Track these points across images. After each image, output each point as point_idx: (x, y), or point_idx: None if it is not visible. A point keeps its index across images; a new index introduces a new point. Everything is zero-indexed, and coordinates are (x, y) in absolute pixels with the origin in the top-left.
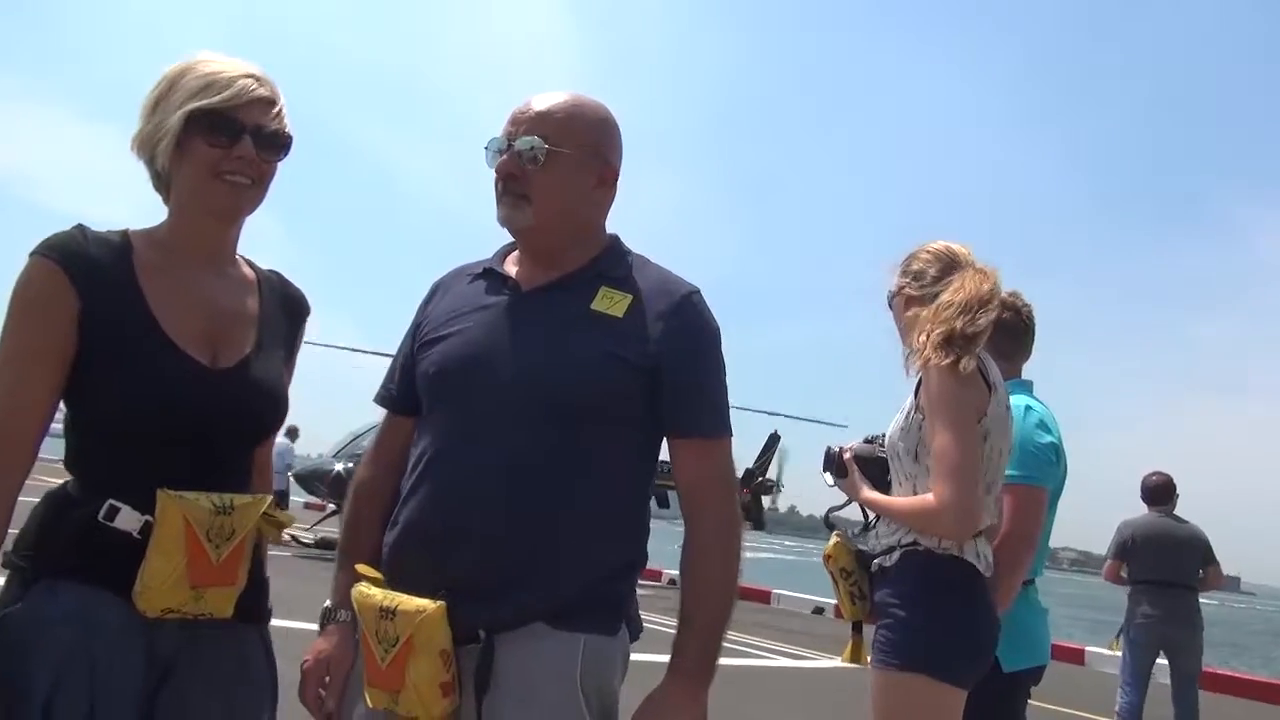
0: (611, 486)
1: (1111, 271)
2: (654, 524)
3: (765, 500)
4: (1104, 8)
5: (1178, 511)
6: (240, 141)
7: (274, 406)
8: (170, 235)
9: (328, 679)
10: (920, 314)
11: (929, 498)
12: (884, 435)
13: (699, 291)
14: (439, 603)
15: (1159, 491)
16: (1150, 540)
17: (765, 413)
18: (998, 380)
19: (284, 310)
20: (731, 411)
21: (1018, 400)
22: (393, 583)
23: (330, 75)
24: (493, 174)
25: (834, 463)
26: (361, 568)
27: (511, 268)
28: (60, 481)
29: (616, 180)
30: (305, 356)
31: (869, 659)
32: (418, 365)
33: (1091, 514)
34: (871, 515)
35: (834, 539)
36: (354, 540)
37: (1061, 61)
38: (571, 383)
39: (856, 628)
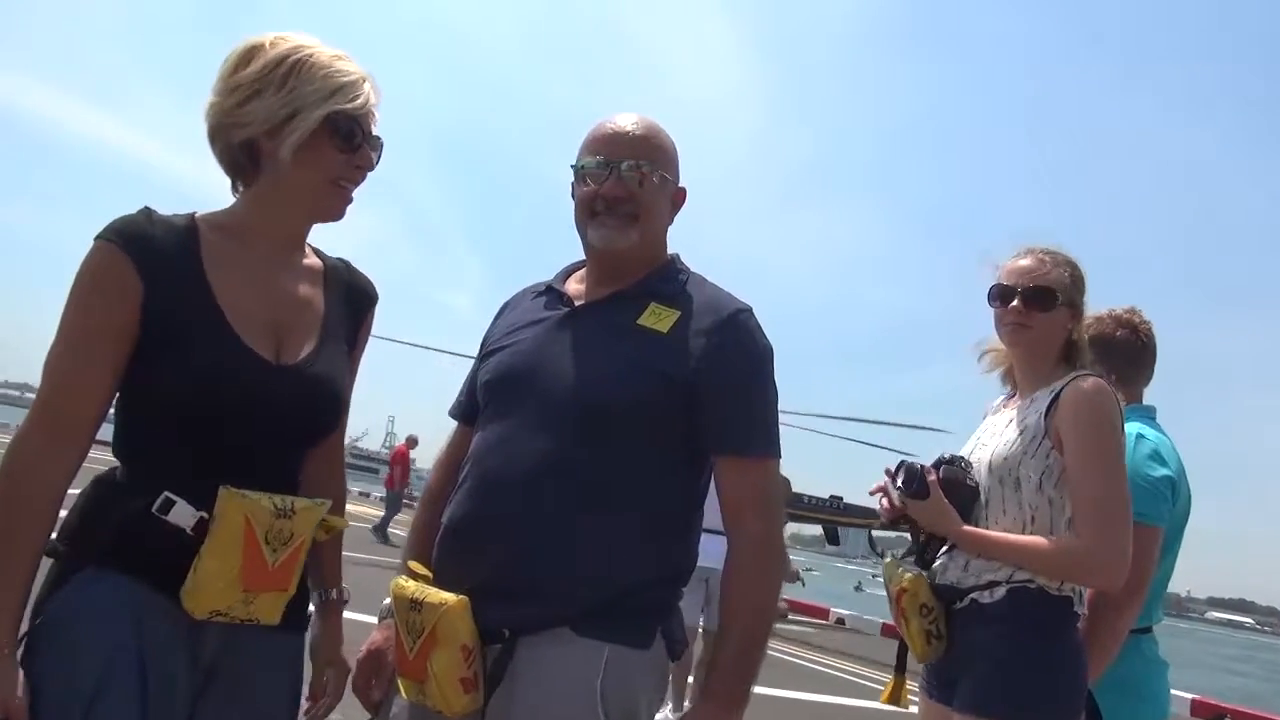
0: (646, 498)
1: None
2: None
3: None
4: None
5: None
6: (361, 149)
7: (334, 406)
8: (244, 222)
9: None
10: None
11: (1076, 541)
12: (965, 459)
13: (749, 310)
14: (461, 597)
15: None
16: None
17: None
18: None
19: (348, 302)
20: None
21: (1130, 428)
22: (438, 580)
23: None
24: (579, 197)
25: (917, 482)
26: (413, 564)
27: (572, 286)
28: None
29: (683, 203)
30: None
31: (930, 700)
32: (478, 377)
33: None
34: (922, 536)
35: (909, 573)
36: (415, 541)
37: None
38: (603, 392)
39: (900, 667)
